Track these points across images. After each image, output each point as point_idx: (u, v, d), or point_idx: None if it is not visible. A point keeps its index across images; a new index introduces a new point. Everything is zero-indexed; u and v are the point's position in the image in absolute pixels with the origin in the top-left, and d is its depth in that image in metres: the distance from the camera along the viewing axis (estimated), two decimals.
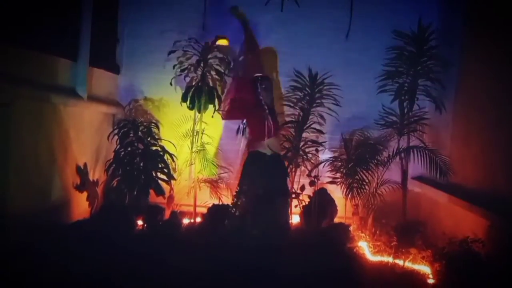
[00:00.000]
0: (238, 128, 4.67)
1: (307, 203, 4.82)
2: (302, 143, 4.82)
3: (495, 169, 3.91)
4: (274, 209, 4.32)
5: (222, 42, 4.79)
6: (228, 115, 4.95)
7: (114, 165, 4.53)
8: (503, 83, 3.90)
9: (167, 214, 4.86)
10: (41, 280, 3.12)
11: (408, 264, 4.03)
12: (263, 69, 5.00)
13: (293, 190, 4.78)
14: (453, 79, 4.70)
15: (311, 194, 4.81)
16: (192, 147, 4.98)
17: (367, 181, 4.68)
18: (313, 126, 4.83)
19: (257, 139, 4.50)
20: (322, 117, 4.85)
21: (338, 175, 4.83)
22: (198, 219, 4.87)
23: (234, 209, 4.39)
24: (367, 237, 4.59)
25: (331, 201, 4.87)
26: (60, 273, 3.20)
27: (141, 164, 4.56)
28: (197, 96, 4.78)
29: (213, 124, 5.16)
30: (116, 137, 4.60)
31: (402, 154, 4.53)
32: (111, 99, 5.29)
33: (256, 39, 5.17)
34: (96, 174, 4.87)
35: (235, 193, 4.47)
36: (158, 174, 4.61)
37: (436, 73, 4.45)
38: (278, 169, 4.51)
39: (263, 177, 4.30)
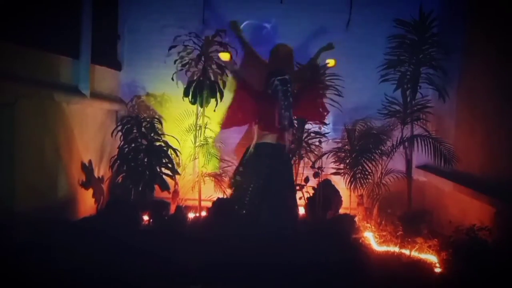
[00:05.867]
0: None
1: (311, 194, 4.82)
2: (305, 135, 4.82)
3: (500, 155, 3.88)
4: (281, 202, 4.32)
5: (224, 56, 4.77)
6: (227, 124, 4.92)
7: (118, 161, 4.55)
8: (507, 69, 3.86)
9: (172, 208, 4.90)
10: (48, 277, 3.13)
11: (415, 254, 4.03)
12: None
13: (297, 182, 4.78)
14: (456, 66, 4.66)
15: (315, 186, 4.80)
16: (195, 142, 5.00)
17: (371, 171, 4.67)
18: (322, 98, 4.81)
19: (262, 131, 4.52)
20: None
21: (342, 166, 4.82)
22: (204, 213, 4.89)
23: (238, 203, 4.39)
24: (373, 227, 4.58)
25: (336, 192, 4.87)
26: (67, 270, 3.22)
27: (145, 160, 4.57)
28: (199, 90, 4.78)
29: (216, 118, 5.16)
30: (119, 133, 4.62)
31: (406, 143, 4.50)
32: (113, 96, 5.30)
33: (257, 53, 5.06)
34: (101, 170, 4.90)
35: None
36: (163, 169, 4.62)
37: (439, 60, 4.41)
38: (282, 162, 4.48)
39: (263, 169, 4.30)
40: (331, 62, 4.81)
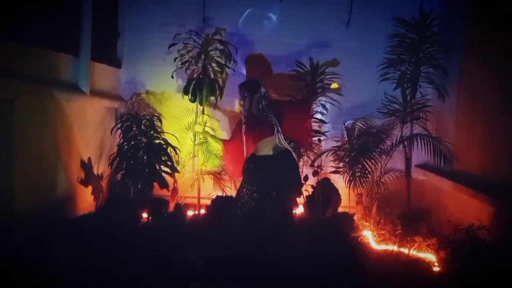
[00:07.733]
0: None
1: (310, 193, 4.82)
2: None
3: (499, 155, 3.88)
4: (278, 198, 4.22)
5: (334, 86, 4.68)
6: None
7: (118, 159, 4.56)
8: (507, 68, 3.86)
9: (171, 206, 4.90)
10: (48, 275, 3.13)
11: (413, 253, 4.03)
12: None
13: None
14: (456, 65, 4.65)
15: (315, 184, 4.80)
16: (194, 140, 5.00)
17: (370, 170, 4.67)
18: (315, 115, 4.81)
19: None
20: (324, 106, 4.85)
21: (341, 164, 4.82)
22: (203, 211, 4.89)
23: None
24: (372, 226, 4.58)
25: (335, 190, 4.88)
26: (66, 267, 3.22)
27: (145, 158, 4.57)
28: (198, 88, 4.77)
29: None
30: (119, 131, 4.62)
31: (406, 142, 4.52)
32: (113, 93, 5.30)
33: None
34: (100, 168, 4.90)
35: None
36: (162, 167, 4.62)
37: (439, 59, 4.42)
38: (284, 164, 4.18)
39: (263, 176, 3.80)
40: (334, 85, 4.68)
